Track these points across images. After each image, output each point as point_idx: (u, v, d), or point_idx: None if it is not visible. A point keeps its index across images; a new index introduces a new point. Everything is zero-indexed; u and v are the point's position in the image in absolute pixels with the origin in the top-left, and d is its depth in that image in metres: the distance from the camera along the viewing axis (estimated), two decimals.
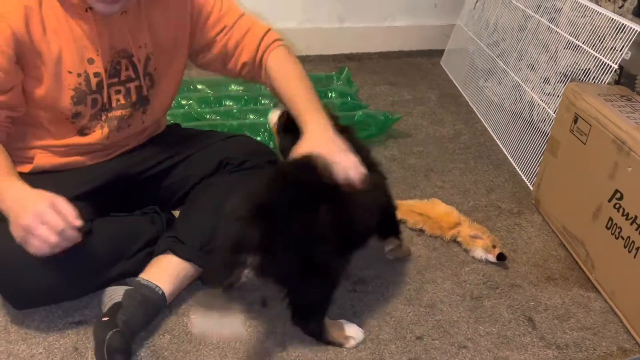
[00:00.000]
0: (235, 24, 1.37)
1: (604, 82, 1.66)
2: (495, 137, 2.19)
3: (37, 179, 1.24)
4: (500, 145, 2.13)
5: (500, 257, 1.50)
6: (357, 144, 1.26)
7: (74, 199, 1.24)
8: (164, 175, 1.41)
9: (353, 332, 1.25)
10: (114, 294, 1.21)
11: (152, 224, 1.36)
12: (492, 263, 1.52)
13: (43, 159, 1.29)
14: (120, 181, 1.34)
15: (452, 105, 2.46)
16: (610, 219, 1.39)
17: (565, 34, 1.88)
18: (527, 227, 1.69)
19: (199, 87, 2.26)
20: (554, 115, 1.73)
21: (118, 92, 1.28)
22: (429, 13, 2.99)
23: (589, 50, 1.74)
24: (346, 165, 1.15)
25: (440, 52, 2.90)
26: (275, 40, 1.38)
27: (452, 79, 2.71)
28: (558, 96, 1.83)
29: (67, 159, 1.30)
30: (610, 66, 1.64)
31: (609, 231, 1.40)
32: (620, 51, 1.62)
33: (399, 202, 1.66)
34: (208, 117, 2.03)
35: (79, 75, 1.21)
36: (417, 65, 2.87)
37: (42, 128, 1.26)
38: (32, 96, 1.20)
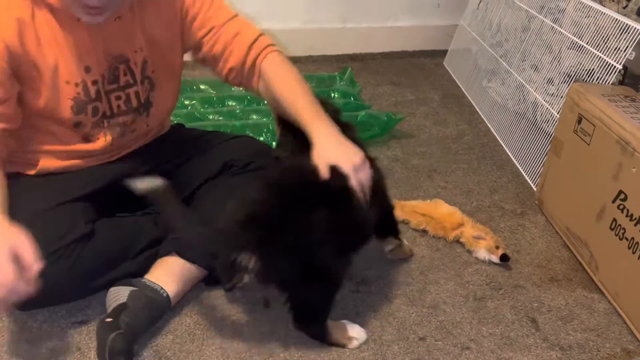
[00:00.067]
0: (224, 26, 1.32)
1: (608, 83, 1.65)
2: (498, 138, 2.19)
3: (42, 180, 1.27)
4: (504, 146, 2.13)
5: (504, 257, 1.50)
6: (355, 142, 1.25)
7: (78, 200, 1.25)
8: (168, 177, 1.41)
9: (356, 332, 1.25)
10: (119, 294, 1.21)
11: (154, 224, 1.35)
12: (495, 264, 1.51)
13: (48, 162, 1.29)
14: (123, 182, 1.34)
15: (455, 106, 2.45)
16: (614, 219, 1.39)
17: (569, 35, 1.88)
18: (531, 228, 1.69)
19: (202, 87, 2.26)
20: (558, 116, 1.73)
21: (118, 98, 1.28)
22: (432, 13, 2.99)
23: (593, 50, 1.74)
24: (362, 178, 1.15)
25: (443, 53, 2.89)
26: (268, 45, 1.34)
27: (455, 80, 2.70)
28: (562, 97, 1.82)
29: (71, 162, 1.30)
30: (614, 66, 1.64)
31: (613, 232, 1.39)
32: (624, 51, 1.62)
33: (402, 203, 1.66)
34: (211, 117, 2.03)
35: (76, 84, 1.21)
36: (420, 66, 2.86)
37: (47, 133, 1.26)
38: (32, 107, 1.20)
